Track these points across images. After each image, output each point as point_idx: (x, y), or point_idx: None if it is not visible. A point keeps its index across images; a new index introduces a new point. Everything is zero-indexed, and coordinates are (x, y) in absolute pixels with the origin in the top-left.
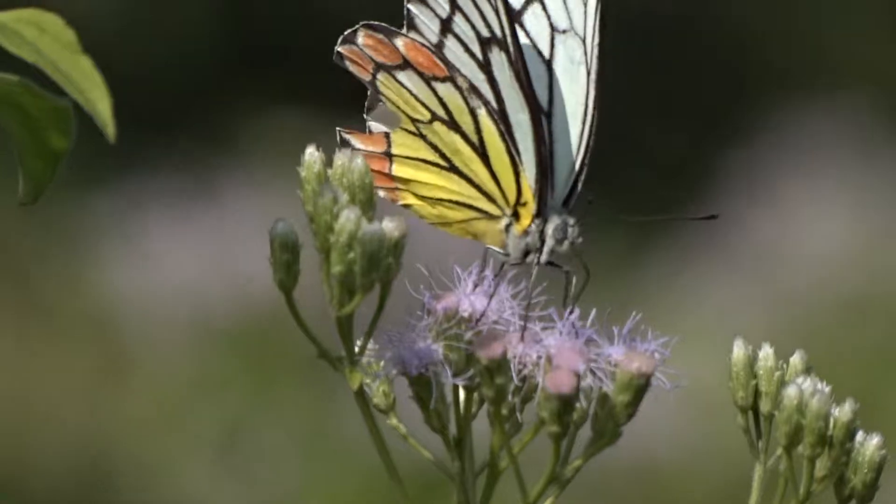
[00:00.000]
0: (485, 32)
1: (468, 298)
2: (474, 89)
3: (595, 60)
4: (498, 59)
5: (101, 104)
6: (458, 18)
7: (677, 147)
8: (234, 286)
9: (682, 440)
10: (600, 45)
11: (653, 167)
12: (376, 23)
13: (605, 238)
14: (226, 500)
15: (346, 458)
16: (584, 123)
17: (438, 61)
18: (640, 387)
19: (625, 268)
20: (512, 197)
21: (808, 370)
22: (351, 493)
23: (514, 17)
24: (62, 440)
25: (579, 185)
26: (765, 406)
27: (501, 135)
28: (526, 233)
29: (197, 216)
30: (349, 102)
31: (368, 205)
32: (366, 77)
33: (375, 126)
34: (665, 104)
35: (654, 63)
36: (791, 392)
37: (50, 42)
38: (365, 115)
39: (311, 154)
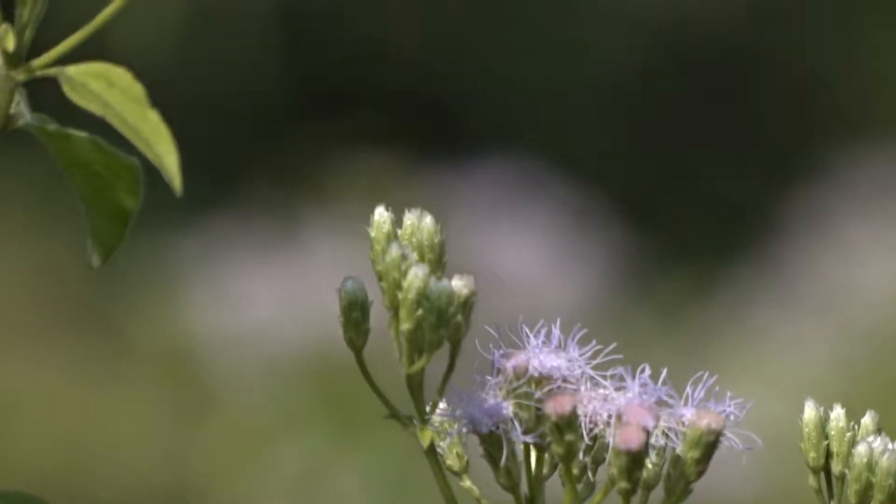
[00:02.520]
0: None
1: (538, 357)
2: None
3: None
4: None
5: (168, 158)
6: None
7: (739, 187)
8: (314, 326)
9: (747, 478)
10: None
11: (714, 208)
12: None
13: (669, 278)
14: None
15: (429, 501)
16: None
17: None
18: (709, 444)
19: (689, 307)
20: None
21: (878, 430)
22: None
23: None
24: (141, 478)
25: None
26: (836, 466)
27: None
28: None
29: (278, 256)
30: (429, 145)
31: (437, 264)
32: None
33: None
34: (727, 144)
35: (716, 103)
36: (861, 450)
37: (118, 95)
38: None
39: (381, 214)
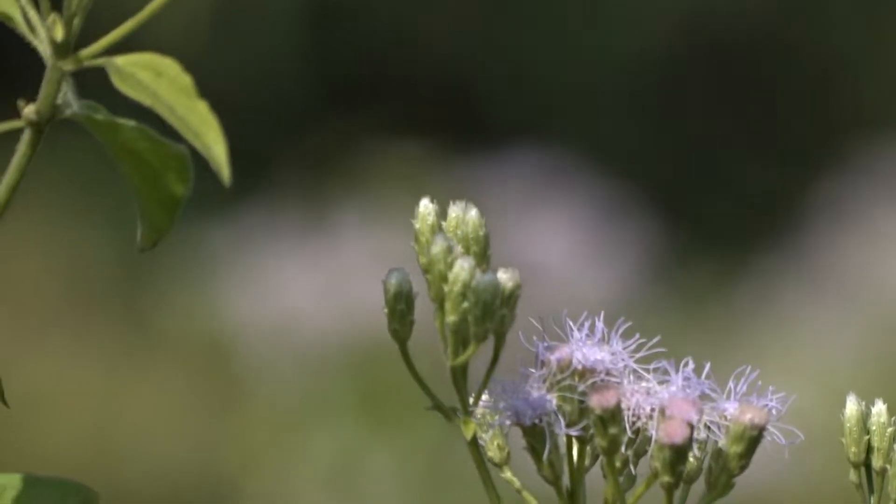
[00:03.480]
0: None
1: (581, 350)
2: None
3: None
4: None
5: (216, 148)
6: None
7: (766, 178)
8: (346, 316)
9: (780, 469)
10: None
11: (741, 198)
12: None
13: (697, 268)
14: None
15: (463, 490)
16: None
17: None
18: (752, 438)
19: (716, 298)
20: None
21: None
22: None
23: None
24: (173, 468)
25: None
26: (877, 461)
27: None
28: None
29: (312, 245)
30: (465, 134)
31: (482, 256)
32: None
33: None
34: (754, 134)
35: (743, 93)
36: None
37: (167, 86)
38: None
39: (426, 206)
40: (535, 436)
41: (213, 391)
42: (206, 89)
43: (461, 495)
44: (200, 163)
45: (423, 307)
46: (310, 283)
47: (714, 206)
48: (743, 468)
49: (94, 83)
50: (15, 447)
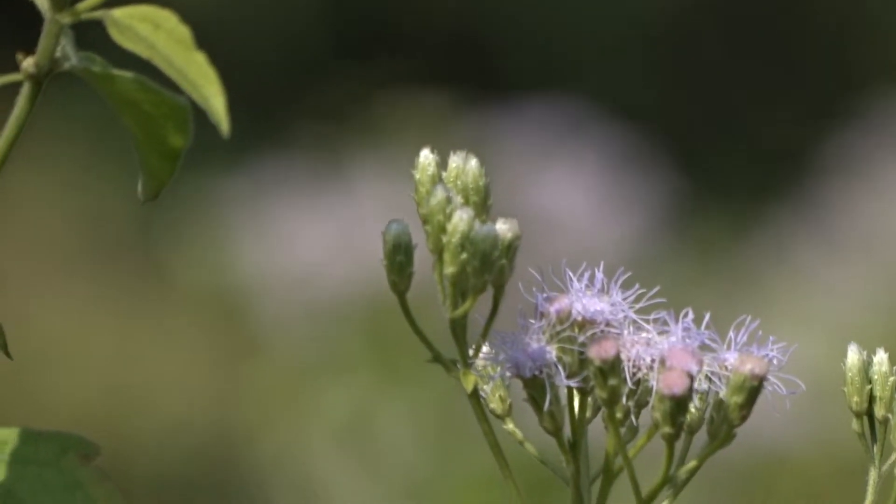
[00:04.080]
0: None
1: (581, 301)
2: None
3: None
4: None
5: (215, 100)
6: None
7: (780, 130)
8: (361, 267)
9: (787, 421)
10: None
11: (754, 150)
12: None
13: (709, 220)
14: (351, 484)
15: (476, 443)
16: None
17: None
18: (753, 389)
19: (729, 249)
20: None
21: None
22: (479, 479)
23: None
24: (186, 421)
25: None
26: (879, 410)
27: None
28: None
29: (325, 197)
30: (481, 85)
31: (482, 207)
32: None
33: None
34: (768, 86)
35: (758, 45)
36: None
37: (165, 38)
38: None
39: (425, 156)
40: (536, 387)
41: (227, 343)
42: (221, 41)
43: (476, 448)
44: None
45: (425, 259)
46: (324, 235)
47: (728, 157)
48: (744, 419)
49: (96, 37)
50: (28, 399)
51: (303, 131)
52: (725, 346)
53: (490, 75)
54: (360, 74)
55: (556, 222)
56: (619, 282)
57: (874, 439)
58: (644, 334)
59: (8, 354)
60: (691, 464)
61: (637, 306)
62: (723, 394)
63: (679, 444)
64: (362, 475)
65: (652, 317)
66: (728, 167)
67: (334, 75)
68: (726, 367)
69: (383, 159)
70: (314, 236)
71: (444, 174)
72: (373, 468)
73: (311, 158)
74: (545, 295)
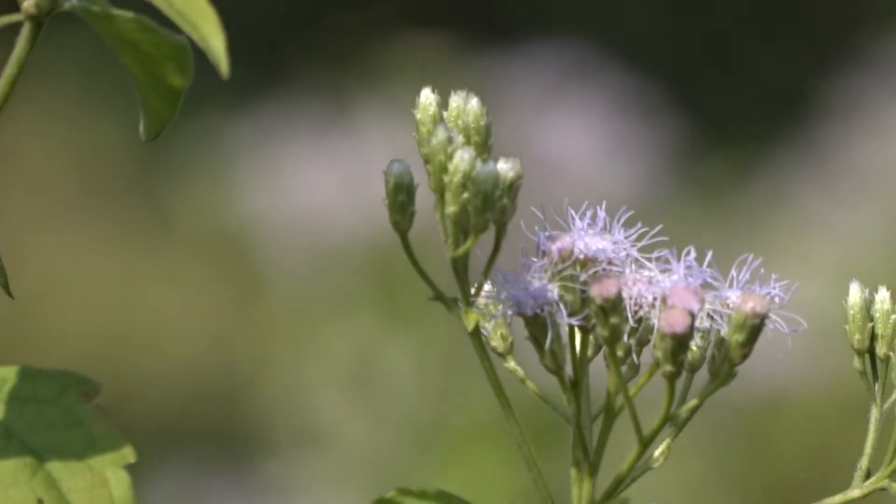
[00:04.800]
0: None
1: (583, 239)
2: None
3: None
4: None
5: (214, 40)
6: None
7: (783, 73)
8: (366, 211)
9: (790, 360)
10: None
11: (757, 93)
12: None
13: (712, 162)
14: (354, 425)
15: (478, 384)
16: None
17: None
18: (754, 327)
19: (731, 191)
20: None
21: None
22: (482, 420)
23: None
24: (188, 361)
25: None
26: (881, 348)
27: None
28: None
29: (331, 140)
30: (485, 27)
31: (483, 146)
32: None
33: None
34: (770, 29)
35: None
36: None
37: None
38: None
39: (426, 96)
40: (537, 326)
41: (231, 285)
42: None
43: (479, 391)
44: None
45: (427, 198)
46: (328, 178)
47: (730, 99)
48: (745, 357)
49: None
50: (30, 339)
51: (306, 75)
52: (727, 285)
53: (497, 17)
54: (366, 17)
55: (560, 166)
56: (622, 221)
57: (875, 377)
58: (646, 273)
59: (9, 293)
60: (692, 402)
61: (639, 245)
62: (724, 332)
63: (680, 383)
64: (365, 415)
65: (654, 255)
66: (731, 109)
67: (338, 18)
68: (728, 306)
69: (387, 102)
70: (318, 179)
71: (445, 114)
72: (376, 408)
73: (315, 101)
74: (547, 233)
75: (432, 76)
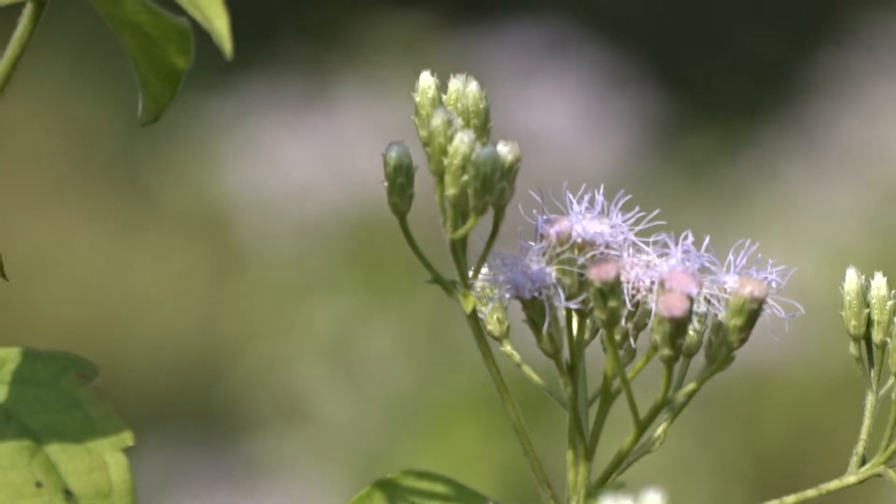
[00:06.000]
0: None
1: (581, 223)
2: None
3: None
4: None
5: (218, 21)
6: None
7: (768, 48)
8: (347, 188)
9: (780, 343)
10: None
11: (742, 68)
12: None
13: (698, 138)
14: (336, 402)
15: (460, 361)
16: None
17: None
18: (752, 311)
19: (717, 168)
20: None
21: None
22: (463, 397)
23: None
24: (170, 339)
25: None
26: (877, 335)
27: None
28: None
29: (311, 117)
30: (464, 4)
31: (482, 130)
32: None
33: None
34: (756, 4)
35: None
36: None
37: None
38: None
39: (426, 79)
40: (535, 309)
41: (213, 261)
42: None
43: (461, 367)
44: (201, 34)
45: (424, 180)
46: (310, 155)
47: (715, 75)
48: (743, 341)
49: None
50: (17, 317)
51: (288, 52)
52: (725, 269)
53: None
54: None
55: (542, 142)
56: (619, 204)
57: (871, 363)
58: (644, 256)
59: (4, 276)
60: (689, 386)
61: (637, 229)
62: (722, 316)
63: (677, 367)
64: (347, 392)
65: (651, 239)
66: (716, 85)
67: None
68: (725, 290)
69: (367, 79)
70: (299, 155)
71: (443, 97)
72: (358, 385)
73: (298, 79)
74: (545, 217)
75: (413, 54)
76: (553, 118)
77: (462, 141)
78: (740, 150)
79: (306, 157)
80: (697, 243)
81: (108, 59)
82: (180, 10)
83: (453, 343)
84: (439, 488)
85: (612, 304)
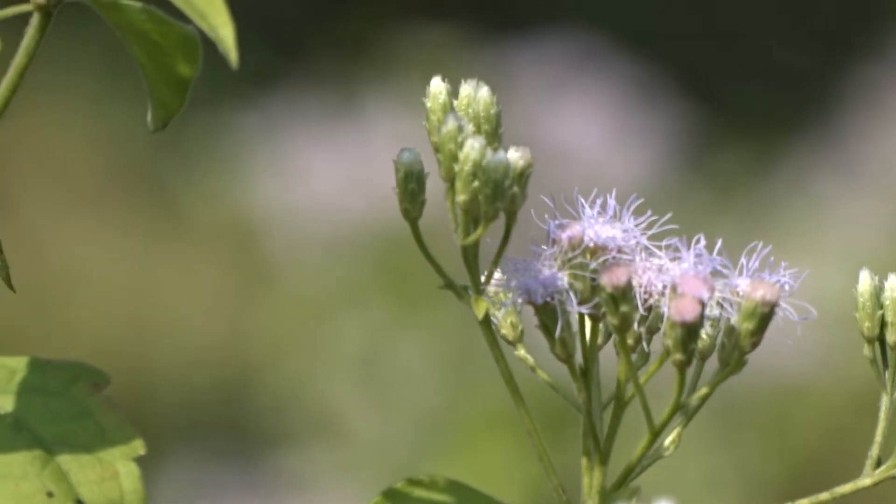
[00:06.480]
0: None
1: (593, 227)
2: None
3: None
4: None
5: (223, 30)
6: None
7: (799, 61)
8: (376, 202)
9: (807, 354)
10: None
11: (773, 82)
12: None
13: (728, 152)
14: (365, 415)
15: (489, 375)
16: None
17: None
18: (764, 315)
19: (748, 181)
20: None
21: None
22: (493, 411)
23: None
24: (198, 353)
25: None
26: (891, 336)
27: None
28: None
29: (340, 131)
30: (493, 17)
31: (493, 135)
32: None
33: None
34: (787, 16)
35: None
36: None
37: None
38: None
39: (437, 85)
40: (547, 314)
41: (242, 275)
42: None
43: (490, 381)
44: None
45: (436, 187)
46: (338, 169)
47: (745, 89)
48: (755, 345)
49: None
50: (45, 331)
51: (316, 65)
52: (737, 273)
53: (505, 7)
54: (375, 7)
55: (570, 155)
56: (632, 208)
57: (886, 365)
58: (656, 261)
59: (11, 287)
60: (702, 391)
61: (649, 233)
62: (734, 320)
63: (690, 371)
64: (376, 406)
65: (664, 243)
66: (745, 98)
67: (348, 8)
68: (738, 294)
69: (396, 92)
70: (328, 169)
71: (455, 103)
72: (387, 399)
73: (326, 92)
74: (557, 222)
75: (441, 66)
76: (582, 131)
77: (472, 147)
78: (770, 163)
79: (334, 170)
80: (710, 247)
81: (134, 69)
82: (187, 19)
83: (482, 356)
84: (450, 496)
85: (624, 308)
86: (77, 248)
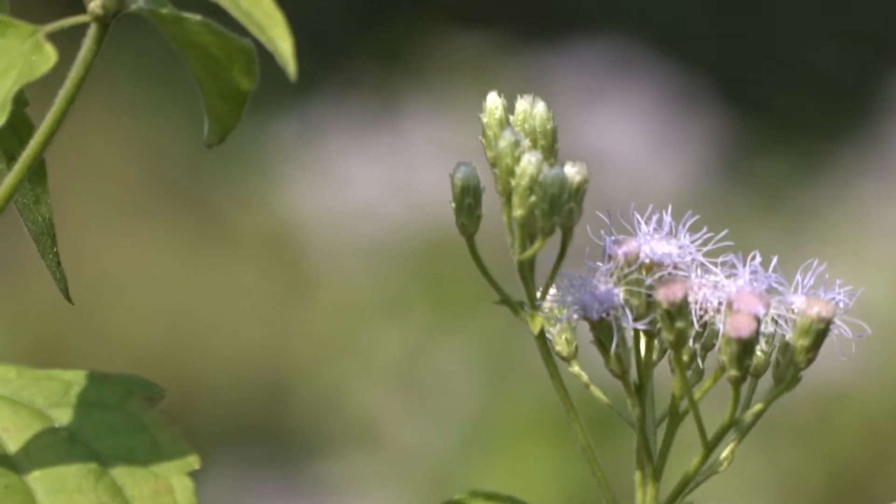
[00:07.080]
0: None
1: (649, 243)
2: None
3: None
4: None
5: (282, 43)
6: None
7: (841, 68)
8: (415, 208)
9: (848, 360)
10: None
11: (814, 88)
12: None
13: (770, 159)
14: (405, 422)
15: (529, 381)
16: None
17: None
18: (819, 332)
19: (790, 189)
20: None
21: None
22: (532, 417)
23: None
24: (239, 360)
25: None
26: None
27: None
28: None
29: (379, 138)
30: (531, 24)
31: (550, 151)
32: None
33: None
34: (830, 22)
35: None
36: None
37: None
38: None
39: (493, 100)
40: (603, 330)
41: (282, 283)
42: None
43: (530, 387)
44: (269, 56)
45: (491, 201)
46: (377, 176)
47: (786, 95)
48: (810, 361)
49: None
50: (87, 339)
51: (354, 72)
52: (792, 289)
53: (543, 13)
54: (414, 14)
55: (609, 162)
56: (687, 225)
57: None
58: (711, 277)
59: (69, 300)
60: (757, 407)
61: (704, 249)
62: (789, 337)
63: (744, 388)
64: (416, 412)
65: (719, 260)
66: (785, 104)
67: (389, 16)
68: (793, 310)
69: (434, 99)
70: (366, 176)
71: (510, 117)
72: (426, 405)
73: (363, 99)
74: (613, 238)
75: (479, 74)
76: (620, 138)
77: (529, 162)
78: (812, 170)
79: (374, 177)
80: (765, 264)
81: (179, 78)
82: (245, 32)
83: (522, 363)
84: None
85: (679, 324)
86: (119, 256)
